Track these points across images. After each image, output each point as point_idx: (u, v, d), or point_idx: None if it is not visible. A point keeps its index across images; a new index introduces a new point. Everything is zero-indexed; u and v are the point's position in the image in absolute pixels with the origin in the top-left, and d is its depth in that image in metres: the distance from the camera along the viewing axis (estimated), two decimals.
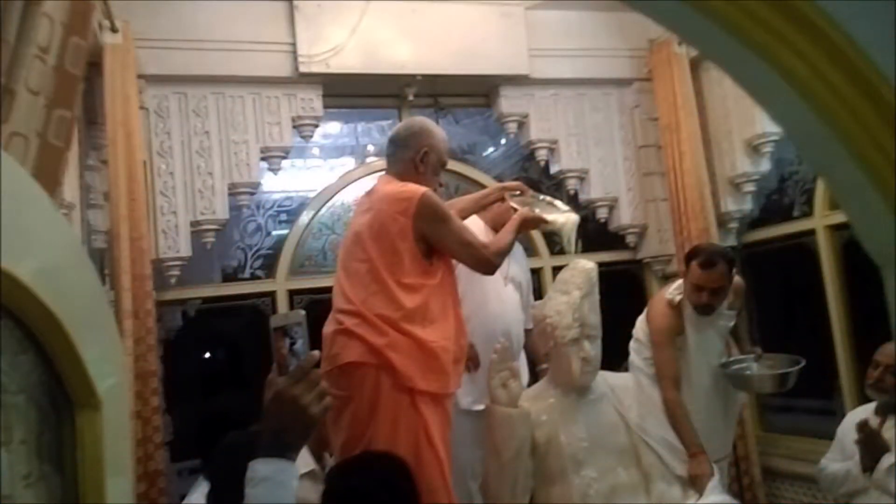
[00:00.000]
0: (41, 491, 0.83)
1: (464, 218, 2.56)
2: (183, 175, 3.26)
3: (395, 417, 2.07)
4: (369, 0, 3.45)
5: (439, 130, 2.41)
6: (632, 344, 2.96)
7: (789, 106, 0.86)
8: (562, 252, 3.31)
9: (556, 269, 3.20)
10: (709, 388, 2.85)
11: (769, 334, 3.80)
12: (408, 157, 2.33)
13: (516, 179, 3.61)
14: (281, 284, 3.56)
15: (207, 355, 4.87)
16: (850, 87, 0.79)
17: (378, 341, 2.09)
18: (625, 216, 4.03)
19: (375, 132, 4.21)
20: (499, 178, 4.06)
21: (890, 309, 0.83)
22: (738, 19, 0.82)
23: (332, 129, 4.17)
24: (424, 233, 2.18)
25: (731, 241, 3.89)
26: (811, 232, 3.61)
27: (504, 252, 2.34)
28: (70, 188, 2.61)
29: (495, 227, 2.67)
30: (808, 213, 3.67)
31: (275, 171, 3.47)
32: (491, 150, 4.57)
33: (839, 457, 2.70)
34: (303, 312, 1.19)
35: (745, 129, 3.71)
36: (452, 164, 3.44)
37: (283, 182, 3.83)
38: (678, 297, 2.83)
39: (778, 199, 3.91)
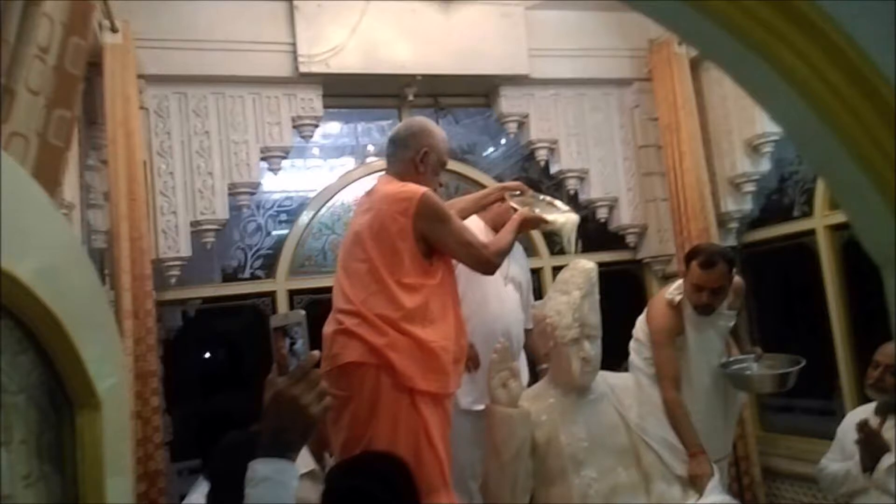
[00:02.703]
0: (41, 491, 0.83)
1: (464, 218, 2.55)
2: (183, 175, 3.26)
3: (395, 417, 2.07)
4: (369, 0, 3.45)
5: (439, 130, 2.41)
6: (632, 344, 2.96)
7: (789, 106, 0.85)
8: (562, 252, 3.31)
9: (556, 269, 3.20)
10: (709, 388, 2.85)
11: (769, 334, 3.80)
12: (408, 157, 2.33)
13: (516, 179, 3.62)
14: (281, 284, 3.56)
15: (207, 355, 4.88)
16: (850, 87, 0.79)
17: (378, 341, 2.09)
18: (625, 216, 4.03)
19: (375, 132, 4.21)
20: (499, 178, 4.07)
21: (890, 309, 0.83)
22: (738, 19, 0.82)
23: (332, 129, 4.18)
24: (424, 233, 2.18)
25: (731, 241, 3.89)
26: (811, 232, 3.61)
27: (504, 252, 2.34)
28: (70, 188, 2.61)
29: (495, 227, 2.67)
30: (808, 213, 3.67)
31: (275, 171, 3.47)
32: (491, 150, 4.57)
33: (839, 457, 2.70)
34: (303, 312, 1.19)
35: (745, 129, 3.71)
36: (452, 164, 3.44)
37: (283, 182, 3.84)
38: (678, 297, 2.83)
39: (778, 199, 3.91)
